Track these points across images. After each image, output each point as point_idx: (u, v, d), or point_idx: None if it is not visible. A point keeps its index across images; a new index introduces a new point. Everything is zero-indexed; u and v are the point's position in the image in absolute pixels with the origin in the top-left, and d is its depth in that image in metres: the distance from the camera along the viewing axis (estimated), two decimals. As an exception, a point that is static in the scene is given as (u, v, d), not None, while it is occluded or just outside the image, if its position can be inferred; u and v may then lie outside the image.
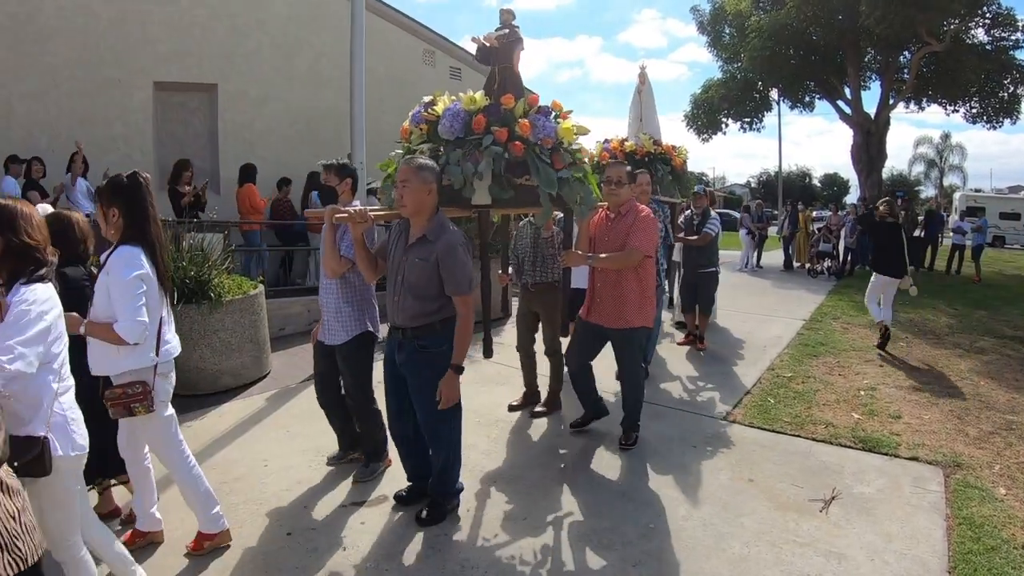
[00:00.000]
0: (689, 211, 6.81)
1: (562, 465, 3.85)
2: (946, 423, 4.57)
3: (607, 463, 3.88)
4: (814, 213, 17.37)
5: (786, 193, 32.46)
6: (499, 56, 3.57)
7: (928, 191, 47.37)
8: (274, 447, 4.07)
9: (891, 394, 5.21)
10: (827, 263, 13.56)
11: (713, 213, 6.66)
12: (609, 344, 4.10)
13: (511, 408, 4.78)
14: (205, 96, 10.23)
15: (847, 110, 16.99)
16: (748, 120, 18.84)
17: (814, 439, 4.25)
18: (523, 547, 2.95)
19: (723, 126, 18.97)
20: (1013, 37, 14.91)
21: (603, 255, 3.83)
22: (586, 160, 3.58)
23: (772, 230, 16.94)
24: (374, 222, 3.05)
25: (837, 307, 9.26)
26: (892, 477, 3.71)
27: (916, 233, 14.66)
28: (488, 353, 3.65)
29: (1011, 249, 25.57)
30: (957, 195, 30.33)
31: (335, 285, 3.43)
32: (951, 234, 15.09)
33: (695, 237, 6.47)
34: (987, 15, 14.69)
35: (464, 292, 2.87)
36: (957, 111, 16.90)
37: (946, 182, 45.71)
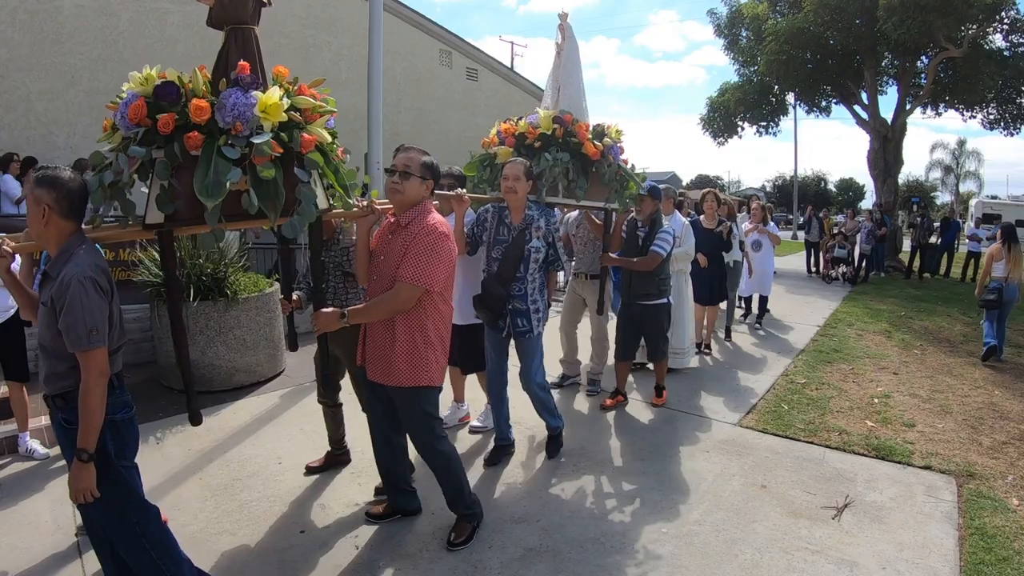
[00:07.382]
0: (631, 219, 4.62)
1: (573, 467, 3.85)
2: (960, 432, 4.54)
3: (620, 465, 3.89)
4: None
5: (801, 198, 32.36)
6: (226, 14, 2.56)
7: (944, 197, 46.97)
8: (288, 444, 4.12)
9: (905, 402, 5.18)
10: (842, 269, 13.46)
11: (667, 223, 4.66)
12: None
13: (308, 469, 3.74)
14: (222, 95, 10.35)
15: (863, 115, 16.86)
16: (764, 124, 18.78)
17: (827, 446, 4.23)
18: (534, 549, 2.97)
19: (739, 130, 18.92)
20: (1031, 44, 14.80)
21: (360, 306, 2.76)
22: (325, 147, 2.52)
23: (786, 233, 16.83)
24: (12, 256, 2.24)
25: (852, 313, 9.19)
26: (905, 486, 3.70)
27: (932, 240, 14.51)
28: (195, 420, 2.71)
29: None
30: (973, 201, 30.01)
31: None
32: (967, 241, 14.95)
33: (635, 260, 4.46)
34: (1005, 21, 14.57)
35: (80, 347, 2.07)
36: (974, 117, 16.75)
37: (962, 188, 45.24)
